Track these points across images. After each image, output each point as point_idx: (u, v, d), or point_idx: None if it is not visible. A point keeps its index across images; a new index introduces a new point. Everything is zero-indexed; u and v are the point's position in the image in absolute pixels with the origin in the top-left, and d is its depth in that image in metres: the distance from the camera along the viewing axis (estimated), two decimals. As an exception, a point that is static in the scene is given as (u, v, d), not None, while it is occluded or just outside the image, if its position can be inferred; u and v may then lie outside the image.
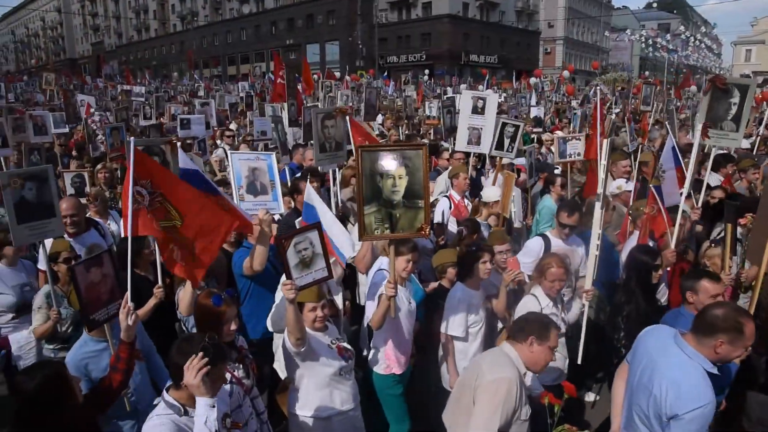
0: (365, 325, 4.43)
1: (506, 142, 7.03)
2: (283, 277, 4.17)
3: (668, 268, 4.61)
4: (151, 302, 4.10)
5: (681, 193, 5.03)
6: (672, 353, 2.83)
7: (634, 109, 13.06)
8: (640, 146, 7.99)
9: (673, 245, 4.60)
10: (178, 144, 4.28)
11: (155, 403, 3.67)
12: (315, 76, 17.32)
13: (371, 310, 4.05)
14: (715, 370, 2.75)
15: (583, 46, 77.54)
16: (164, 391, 2.66)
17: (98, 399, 2.94)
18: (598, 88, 19.67)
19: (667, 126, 7.49)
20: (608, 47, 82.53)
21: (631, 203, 5.38)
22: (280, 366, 4.31)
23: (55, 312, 4.09)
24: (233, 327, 3.29)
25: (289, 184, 6.06)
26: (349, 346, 3.66)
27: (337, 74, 23.29)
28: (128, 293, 3.08)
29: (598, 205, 4.18)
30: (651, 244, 4.86)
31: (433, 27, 55.70)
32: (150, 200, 3.29)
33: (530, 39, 68.16)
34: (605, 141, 4.30)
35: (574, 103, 16.10)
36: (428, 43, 56.05)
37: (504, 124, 7.00)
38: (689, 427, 2.64)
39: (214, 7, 72.73)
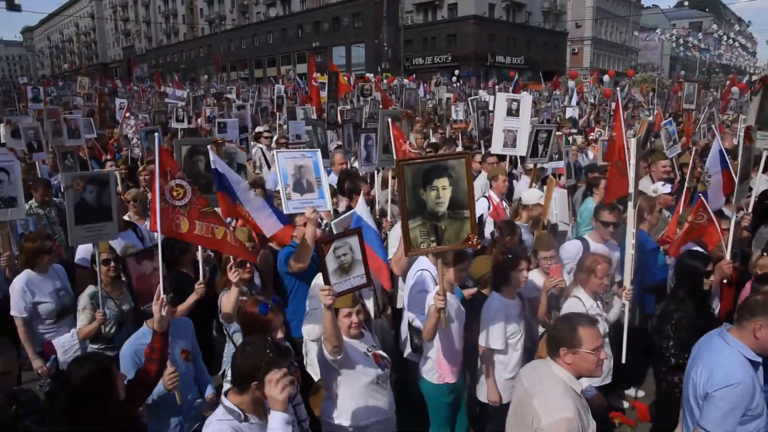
0: (404, 328, 4.42)
1: (540, 148, 6.93)
2: (316, 279, 4.26)
3: (723, 280, 4.41)
4: (192, 298, 4.19)
5: (727, 198, 4.90)
6: (714, 343, 3.04)
7: (677, 110, 12.71)
8: (682, 148, 7.81)
9: (728, 256, 4.38)
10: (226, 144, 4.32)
11: (201, 400, 3.78)
12: (345, 78, 17.35)
13: (416, 314, 4.04)
14: (757, 358, 2.88)
15: (612, 47, 76.34)
16: (223, 396, 2.66)
17: (136, 391, 2.99)
18: (621, 87, 19.35)
19: (714, 128, 7.27)
20: (637, 47, 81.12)
21: (680, 209, 5.24)
22: (312, 368, 4.34)
23: (100, 313, 4.16)
24: (280, 335, 3.30)
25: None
26: (384, 354, 3.59)
27: (371, 76, 23.31)
28: (161, 285, 3.12)
29: (630, 204, 4.12)
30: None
31: (459, 28, 55.46)
32: (192, 192, 3.31)
33: (557, 40, 67.36)
34: (632, 141, 4.23)
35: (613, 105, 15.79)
36: (454, 45, 55.83)
37: (537, 131, 6.91)
38: (719, 404, 2.81)
39: (242, 10, 73.70)
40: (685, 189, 5.15)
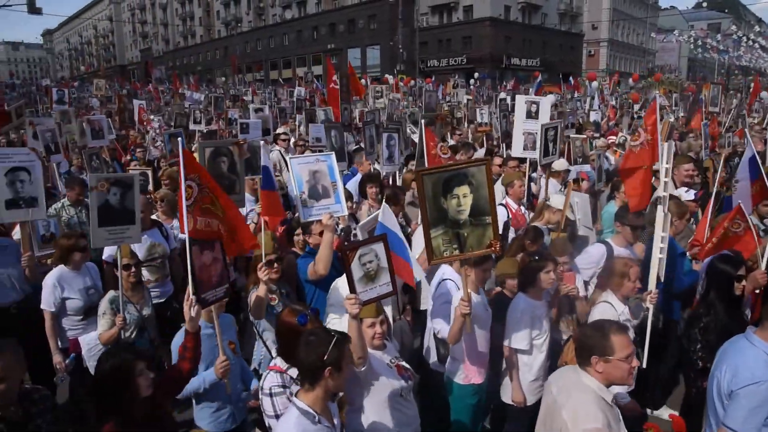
0: (428, 337, 4.39)
1: (550, 146, 6.88)
2: (334, 287, 4.25)
3: (756, 290, 4.31)
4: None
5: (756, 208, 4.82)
6: (739, 344, 3.07)
7: (706, 114, 12.52)
8: (707, 152, 7.70)
9: (763, 266, 4.29)
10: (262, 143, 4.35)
11: (248, 392, 3.80)
12: (363, 81, 17.34)
13: (441, 325, 4.03)
14: None
15: (628, 48, 75.59)
16: (294, 397, 2.69)
17: (168, 386, 3.04)
18: (639, 90, 19.11)
19: (747, 134, 7.11)
20: (654, 49, 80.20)
21: (709, 213, 5.17)
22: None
23: (120, 318, 4.17)
24: None
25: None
26: (408, 366, 3.52)
27: (390, 78, 23.27)
28: (190, 286, 3.12)
29: (660, 208, 4.08)
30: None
31: (474, 30, 55.30)
32: (199, 191, 3.33)
33: (573, 41, 66.87)
34: (666, 145, 4.19)
35: (635, 107, 15.50)
36: (469, 47, 55.68)
37: (546, 129, 6.86)
38: (744, 402, 2.82)
39: (258, 13, 74.20)
40: (714, 193, 5.07)
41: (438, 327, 4.12)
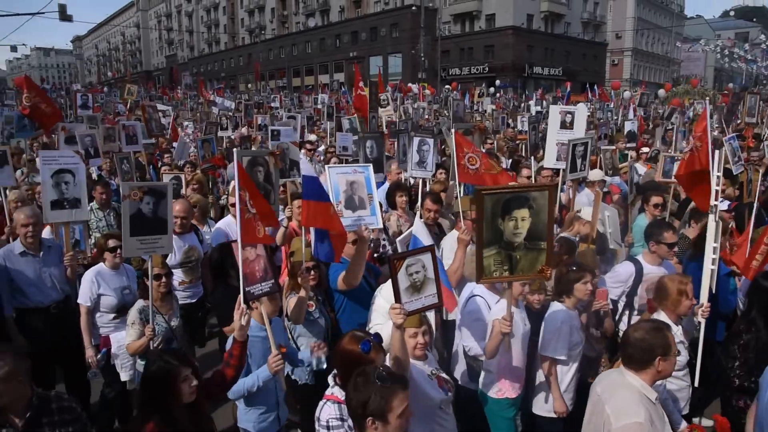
0: (458, 354, 4.37)
1: (578, 162, 6.77)
2: (379, 296, 4.25)
3: None
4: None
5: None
6: None
7: (739, 124, 12.25)
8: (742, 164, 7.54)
9: None
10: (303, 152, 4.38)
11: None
12: (389, 88, 17.34)
13: (472, 343, 4.02)
14: None
15: (653, 58, 74.74)
16: None
17: (211, 390, 3.10)
18: (662, 100, 18.82)
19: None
20: (680, 58, 79.14)
21: (750, 228, 5.08)
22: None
23: (150, 329, 4.16)
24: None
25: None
26: (447, 377, 3.51)
27: (413, 87, 23.33)
28: (241, 295, 3.16)
29: (711, 217, 4.02)
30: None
31: (497, 39, 55.20)
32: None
33: (596, 50, 66.32)
34: (717, 152, 4.15)
35: (673, 119, 15.11)
36: (491, 55, 55.58)
37: (574, 145, 6.77)
38: None
39: (281, 21, 75.06)
40: (755, 207, 4.96)
41: (469, 344, 4.10)
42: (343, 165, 5.51)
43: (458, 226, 5.30)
